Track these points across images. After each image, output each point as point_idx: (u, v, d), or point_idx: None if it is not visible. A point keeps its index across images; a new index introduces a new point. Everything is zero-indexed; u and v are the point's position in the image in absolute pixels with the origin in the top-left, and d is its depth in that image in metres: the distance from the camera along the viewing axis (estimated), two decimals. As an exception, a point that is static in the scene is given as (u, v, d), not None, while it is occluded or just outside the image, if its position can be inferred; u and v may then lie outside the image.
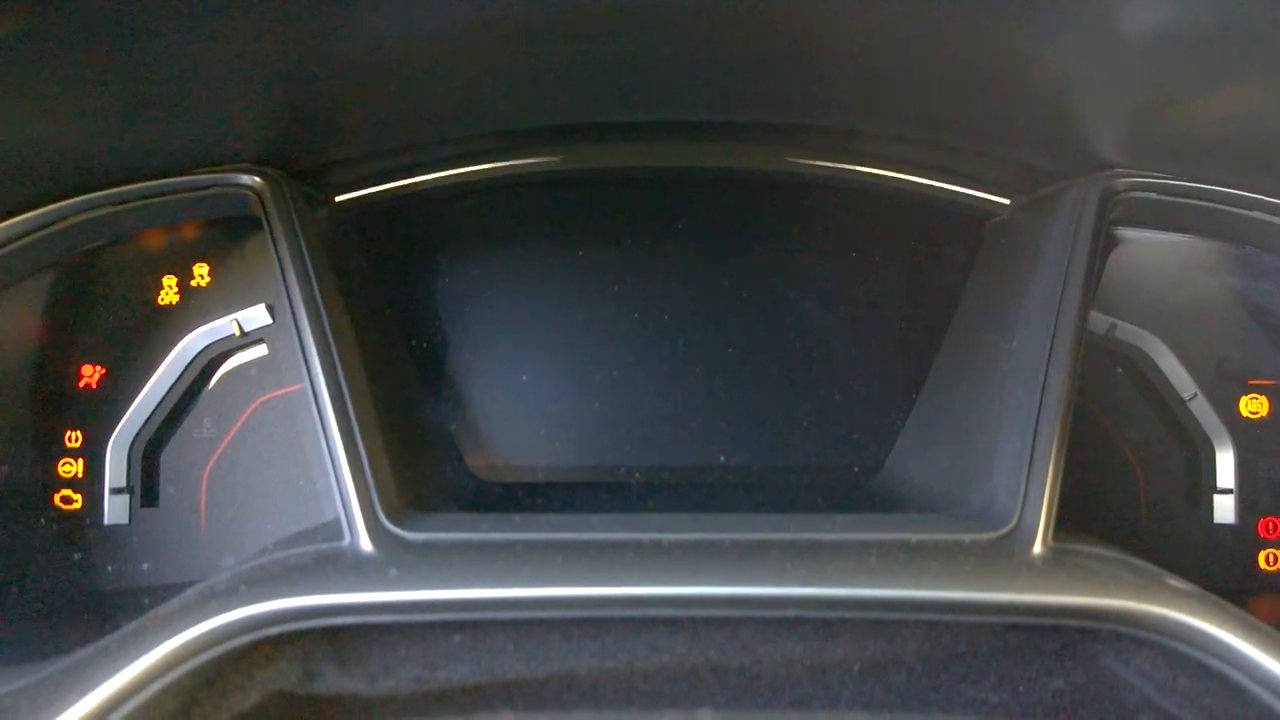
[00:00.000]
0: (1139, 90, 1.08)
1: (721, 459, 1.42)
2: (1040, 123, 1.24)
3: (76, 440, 1.31)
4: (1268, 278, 1.36)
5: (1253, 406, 1.35)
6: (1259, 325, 1.36)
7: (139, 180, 1.25)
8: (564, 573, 0.99)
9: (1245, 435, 1.34)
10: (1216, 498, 1.33)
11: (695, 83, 1.23)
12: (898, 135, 1.40)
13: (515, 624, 1.12)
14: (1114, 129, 1.19)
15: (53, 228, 1.25)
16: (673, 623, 1.11)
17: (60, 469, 1.31)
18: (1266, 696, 0.94)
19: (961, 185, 1.45)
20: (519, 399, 1.44)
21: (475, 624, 1.12)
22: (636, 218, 1.48)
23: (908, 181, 1.46)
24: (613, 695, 1.11)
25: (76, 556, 1.29)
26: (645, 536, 1.04)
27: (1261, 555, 1.34)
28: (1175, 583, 1.00)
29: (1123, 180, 1.25)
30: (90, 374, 1.32)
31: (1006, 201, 1.44)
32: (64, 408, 1.32)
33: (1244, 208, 1.26)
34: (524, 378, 1.44)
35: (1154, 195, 1.27)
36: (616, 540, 1.03)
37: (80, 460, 1.31)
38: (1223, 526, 1.33)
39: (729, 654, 1.12)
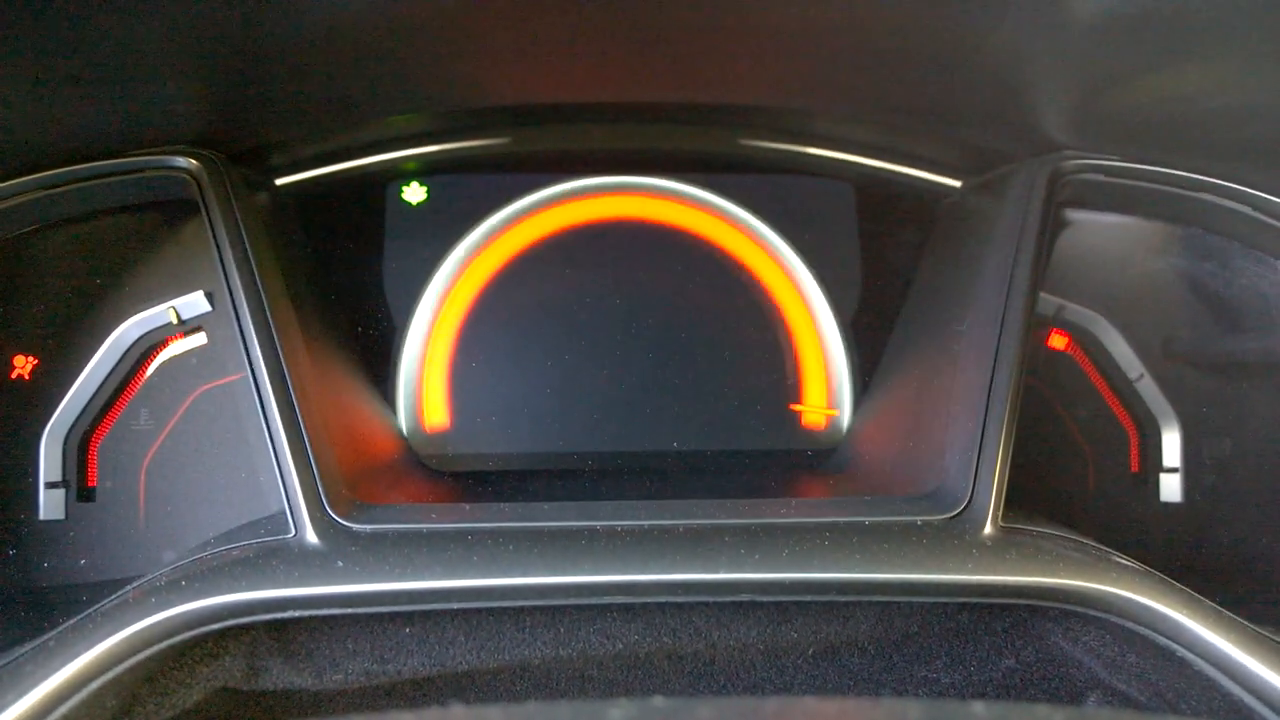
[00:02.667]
0: (1086, 71, 1.08)
1: (675, 445, 1.41)
2: (989, 105, 1.24)
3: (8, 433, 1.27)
4: (1213, 258, 1.38)
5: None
6: (1204, 305, 1.38)
7: (69, 163, 1.21)
8: (516, 561, 0.97)
9: (1191, 414, 1.37)
10: (1163, 476, 1.35)
11: (646, 64, 1.21)
12: (850, 117, 1.40)
13: (466, 614, 1.11)
14: (1061, 111, 1.20)
15: (-22, 213, 1.21)
16: (626, 610, 1.10)
17: (-9, 463, 1.26)
18: (1211, 671, 0.96)
19: (913, 167, 1.46)
20: (469, 387, 1.42)
21: (426, 615, 1.10)
22: (586, 201, 1.46)
23: (860, 164, 1.47)
24: (566, 684, 1.11)
25: (11, 553, 1.25)
26: (598, 524, 1.03)
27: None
28: (1122, 561, 1.01)
29: (1071, 162, 1.26)
30: (22, 365, 1.28)
31: (958, 184, 1.45)
32: (-6, 400, 1.27)
33: (1190, 189, 1.28)
34: (473, 364, 1.41)
35: (1101, 177, 1.28)
36: (569, 528, 1.02)
37: (13, 454, 1.26)
38: (1169, 504, 1.35)
39: (683, 640, 1.11)
